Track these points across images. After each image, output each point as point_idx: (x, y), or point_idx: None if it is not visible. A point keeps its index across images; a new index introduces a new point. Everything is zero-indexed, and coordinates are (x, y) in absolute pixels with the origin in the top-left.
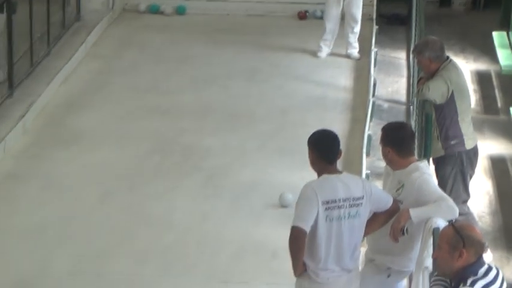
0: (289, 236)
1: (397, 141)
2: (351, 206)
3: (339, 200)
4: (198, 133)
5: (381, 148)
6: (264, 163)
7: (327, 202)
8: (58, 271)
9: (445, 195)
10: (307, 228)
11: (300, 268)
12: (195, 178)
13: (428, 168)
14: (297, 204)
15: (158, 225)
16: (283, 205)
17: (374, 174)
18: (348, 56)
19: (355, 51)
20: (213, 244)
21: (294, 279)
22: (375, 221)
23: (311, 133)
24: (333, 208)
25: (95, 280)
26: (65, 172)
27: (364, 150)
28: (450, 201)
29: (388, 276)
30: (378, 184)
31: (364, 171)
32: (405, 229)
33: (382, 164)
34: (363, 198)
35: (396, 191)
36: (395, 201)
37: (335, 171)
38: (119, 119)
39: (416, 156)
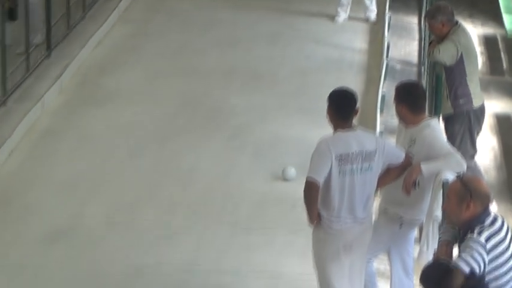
0: (304, 187)
1: (410, 99)
2: (363, 160)
3: (352, 154)
4: (223, 92)
5: (394, 106)
6: (285, 120)
7: (340, 156)
8: (92, 220)
9: (453, 150)
10: (320, 180)
11: (314, 217)
12: (220, 134)
13: (439, 125)
14: (312, 158)
15: (186, 178)
16: (285, 179)
17: (387, 131)
18: (366, 19)
19: (373, 14)
20: (236, 195)
21: (309, 229)
22: (388, 174)
23: (330, 91)
24: (345, 162)
25: (126, 229)
26: (98, 128)
27: (378, 108)
28: (458, 156)
29: (400, 225)
30: (391, 140)
31: (378, 128)
32: (417, 183)
33: (395, 121)
34: (376, 153)
35: (409, 147)
36: (407, 156)
37: (350, 127)
38: (148, 79)
39: (427, 114)
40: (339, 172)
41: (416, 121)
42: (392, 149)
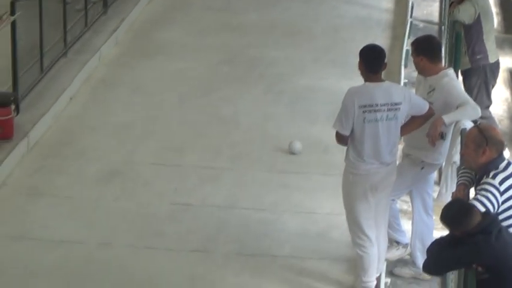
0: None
1: (428, 49)
2: (389, 109)
3: (376, 104)
4: (262, 46)
5: (413, 60)
6: (318, 72)
7: (364, 106)
8: (143, 161)
9: (469, 98)
10: (344, 130)
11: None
12: (259, 84)
13: (455, 76)
14: (340, 108)
15: (228, 124)
16: (292, 152)
17: (410, 83)
18: None
19: None
20: (274, 140)
21: (340, 171)
22: (412, 123)
23: (360, 47)
24: (370, 111)
25: (174, 169)
26: (149, 78)
27: (403, 62)
28: (473, 103)
29: (422, 168)
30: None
31: (403, 80)
32: (442, 134)
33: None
34: (401, 103)
35: (428, 94)
36: (430, 107)
37: (378, 80)
38: (196, 34)
39: (445, 65)
40: (364, 120)
41: (435, 71)
42: (418, 101)
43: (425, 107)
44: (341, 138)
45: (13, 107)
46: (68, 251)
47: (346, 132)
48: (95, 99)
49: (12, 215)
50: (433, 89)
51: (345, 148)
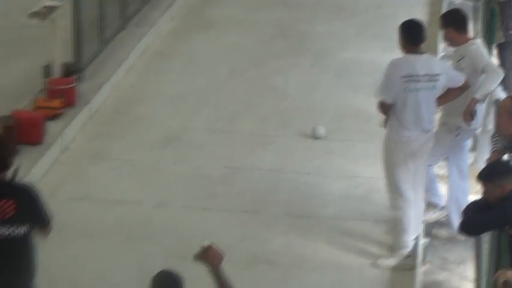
0: (492, 72)
1: (455, 21)
2: (429, 80)
3: (417, 75)
4: (309, 22)
5: (442, 33)
6: (361, 46)
7: (405, 76)
8: (198, 128)
9: (491, 61)
10: (387, 98)
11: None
12: (306, 57)
13: (483, 45)
14: (382, 78)
15: (277, 94)
16: (315, 137)
17: (447, 57)
18: None
19: None
20: (319, 109)
21: (381, 138)
22: (449, 94)
23: (401, 22)
24: (411, 81)
25: (227, 135)
26: (203, 51)
27: (439, 37)
28: (494, 66)
29: (457, 135)
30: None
31: (440, 54)
32: (474, 112)
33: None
34: (440, 75)
35: (457, 62)
36: (466, 80)
37: (419, 52)
38: (248, 10)
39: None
40: (405, 90)
41: (463, 40)
42: (455, 74)
43: (461, 79)
44: (383, 107)
45: (76, 76)
46: (127, 211)
47: (389, 101)
48: (151, 69)
49: (75, 178)
50: (462, 57)
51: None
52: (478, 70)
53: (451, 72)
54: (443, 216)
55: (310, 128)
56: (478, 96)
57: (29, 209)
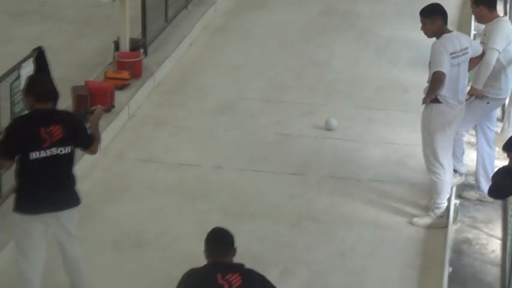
0: (432, 78)
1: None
2: (463, 54)
3: (457, 51)
4: (353, 1)
5: (472, 11)
6: (400, 24)
7: (452, 53)
8: (251, 97)
9: (496, 40)
10: (446, 70)
11: (430, 99)
12: (350, 34)
13: (508, 22)
14: (433, 57)
15: (323, 67)
16: (328, 128)
17: (478, 34)
18: None
19: None
20: (361, 81)
21: (418, 108)
22: (471, 63)
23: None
24: (454, 57)
25: (277, 104)
26: (257, 27)
27: (473, 18)
28: (494, 45)
29: (488, 103)
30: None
31: (472, 32)
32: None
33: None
34: (469, 48)
35: (484, 36)
36: (483, 49)
37: (450, 31)
38: None
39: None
40: (451, 65)
41: (492, 17)
42: (476, 44)
43: (480, 49)
44: (442, 79)
45: (142, 50)
46: (186, 172)
47: (446, 70)
48: (210, 44)
49: (140, 141)
50: (490, 32)
51: (423, 87)
52: None
53: (473, 43)
54: (473, 180)
55: (352, 97)
56: (475, 85)
57: (73, 132)
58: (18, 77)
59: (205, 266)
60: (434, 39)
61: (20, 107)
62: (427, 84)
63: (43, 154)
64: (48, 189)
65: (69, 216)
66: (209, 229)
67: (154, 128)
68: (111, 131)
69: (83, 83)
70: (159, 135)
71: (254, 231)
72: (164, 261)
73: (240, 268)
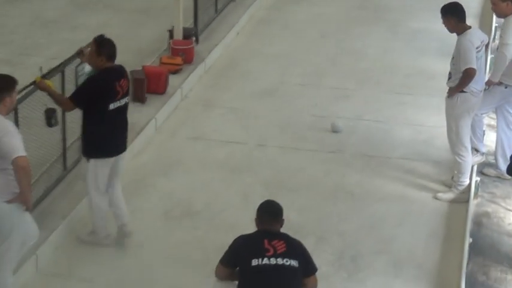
0: (464, 74)
1: None
2: (482, 46)
3: (479, 45)
4: None
5: (498, 6)
6: (427, 17)
7: (477, 47)
8: (292, 82)
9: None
10: (475, 66)
11: (460, 90)
12: (381, 26)
13: None
14: (463, 54)
15: (357, 55)
16: (334, 131)
17: (499, 27)
18: None
19: None
20: (391, 69)
21: (443, 93)
22: None
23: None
24: (478, 51)
25: (314, 89)
26: (296, 19)
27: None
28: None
29: (505, 87)
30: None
31: (494, 24)
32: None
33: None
34: (485, 40)
35: (502, 30)
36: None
37: (469, 27)
38: None
39: None
40: (476, 58)
41: (509, 12)
42: (487, 36)
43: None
44: (474, 75)
45: (194, 38)
46: (233, 149)
47: (476, 65)
48: (255, 34)
49: (192, 121)
50: (504, 26)
51: (445, 75)
52: None
53: (486, 36)
54: (493, 159)
55: (384, 83)
56: (492, 78)
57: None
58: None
59: (254, 232)
60: (455, 34)
61: None
62: (449, 73)
63: (117, 104)
64: (120, 134)
65: (123, 158)
66: (253, 201)
67: (204, 108)
68: (165, 111)
69: (140, 68)
70: (208, 115)
71: (293, 202)
72: (211, 230)
73: (285, 236)
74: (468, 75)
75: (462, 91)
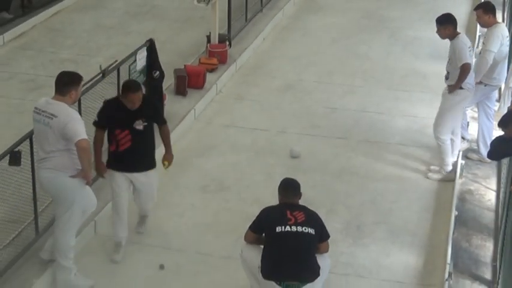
0: (462, 70)
1: (485, 5)
2: (470, 50)
3: (470, 46)
4: (387, 9)
5: (478, 18)
6: (422, 27)
7: (468, 47)
8: (308, 79)
9: (490, 47)
10: (470, 61)
11: (459, 86)
12: (383, 33)
13: (504, 27)
14: (459, 53)
15: (362, 58)
16: (292, 156)
17: (482, 36)
18: None
19: None
20: (391, 69)
21: (435, 90)
22: None
23: (452, 10)
24: (469, 51)
25: (327, 85)
26: (314, 26)
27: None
28: (488, 51)
29: (485, 85)
30: None
31: (478, 33)
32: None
33: None
34: (470, 45)
35: (484, 38)
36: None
37: (459, 33)
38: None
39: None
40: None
41: (491, 23)
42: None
43: None
44: (470, 69)
45: (227, 43)
46: (258, 135)
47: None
48: (279, 39)
49: (224, 111)
50: (487, 35)
51: (438, 75)
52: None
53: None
54: (475, 145)
55: (384, 81)
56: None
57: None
58: (135, 60)
59: (278, 204)
60: (447, 40)
61: None
62: (445, 73)
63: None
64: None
65: (142, 176)
66: (274, 179)
67: (235, 101)
68: (203, 103)
69: (182, 67)
70: (238, 106)
71: (307, 180)
72: (240, 202)
73: (303, 208)
74: (465, 69)
75: (460, 87)
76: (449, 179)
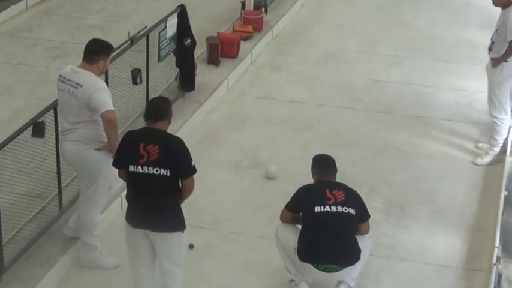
0: (511, 46)
1: None
2: None
3: None
4: None
5: None
6: None
7: None
8: (349, 50)
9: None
10: None
11: (505, 60)
12: (431, 0)
13: None
14: (510, 25)
15: (408, 27)
16: (268, 177)
17: None
18: None
19: None
20: (439, 39)
21: (485, 61)
22: None
23: None
24: None
25: (370, 56)
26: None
27: None
28: None
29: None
30: None
31: None
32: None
33: None
34: None
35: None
36: None
37: None
38: None
39: None
40: None
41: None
42: None
43: None
44: None
45: (263, 9)
46: (296, 108)
47: None
48: (318, 5)
49: (259, 82)
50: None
51: (486, 45)
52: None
53: None
54: None
55: (432, 51)
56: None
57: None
58: (165, 27)
59: (315, 182)
60: (497, 8)
61: (166, 51)
62: (489, 44)
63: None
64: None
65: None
66: (311, 154)
67: (270, 71)
68: (236, 74)
69: (215, 34)
70: (274, 77)
71: (347, 157)
72: (274, 179)
73: (343, 186)
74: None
75: (505, 61)
76: (499, 161)
